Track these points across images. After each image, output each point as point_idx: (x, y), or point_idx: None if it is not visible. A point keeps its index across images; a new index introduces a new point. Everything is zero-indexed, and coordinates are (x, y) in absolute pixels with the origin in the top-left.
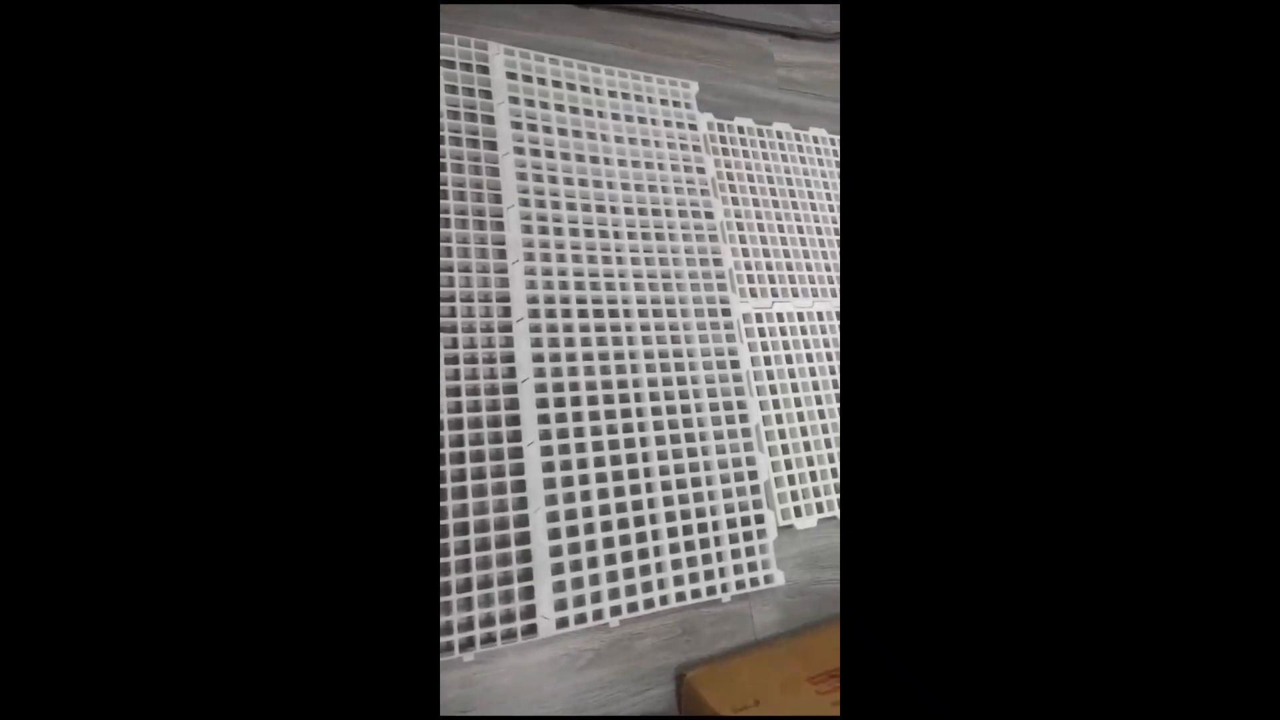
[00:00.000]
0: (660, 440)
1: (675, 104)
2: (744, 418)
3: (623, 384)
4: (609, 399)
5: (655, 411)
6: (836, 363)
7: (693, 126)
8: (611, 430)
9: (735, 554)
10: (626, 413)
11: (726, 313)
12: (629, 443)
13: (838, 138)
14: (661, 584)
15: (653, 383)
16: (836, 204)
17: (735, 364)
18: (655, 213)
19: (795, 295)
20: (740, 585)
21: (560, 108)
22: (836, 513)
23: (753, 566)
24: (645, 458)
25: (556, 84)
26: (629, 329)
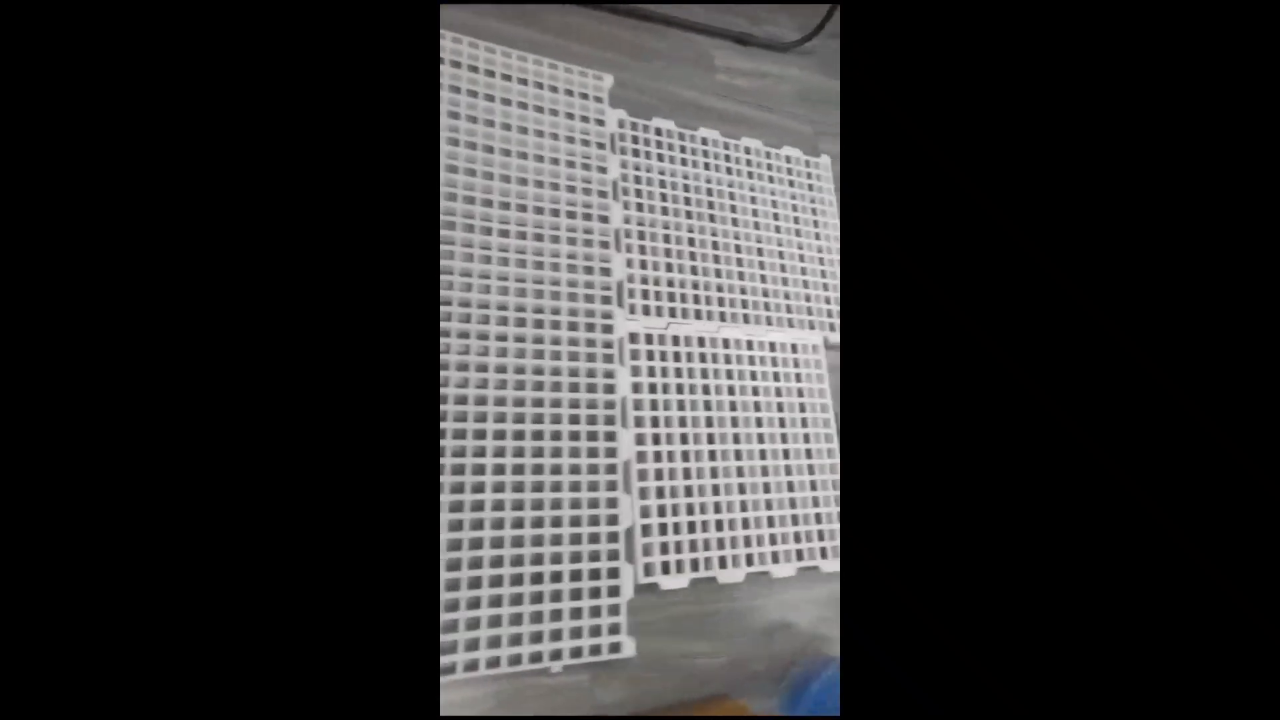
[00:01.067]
0: (499, 469)
1: (583, 96)
2: (611, 451)
3: (461, 399)
4: (442, 414)
5: (499, 435)
6: (743, 397)
7: (599, 122)
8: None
9: (576, 613)
10: (460, 433)
11: (608, 329)
12: (457, 469)
13: (776, 151)
14: (473, 644)
15: (500, 401)
16: (764, 220)
17: (610, 388)
18: (539, 211)
19: (699, 318)
20: (577, 653)
21: (456, 89)
22: (715, 573)
23: (597, 631)
24: (477, 488)
25: (456, 64)
26: (501, 338)
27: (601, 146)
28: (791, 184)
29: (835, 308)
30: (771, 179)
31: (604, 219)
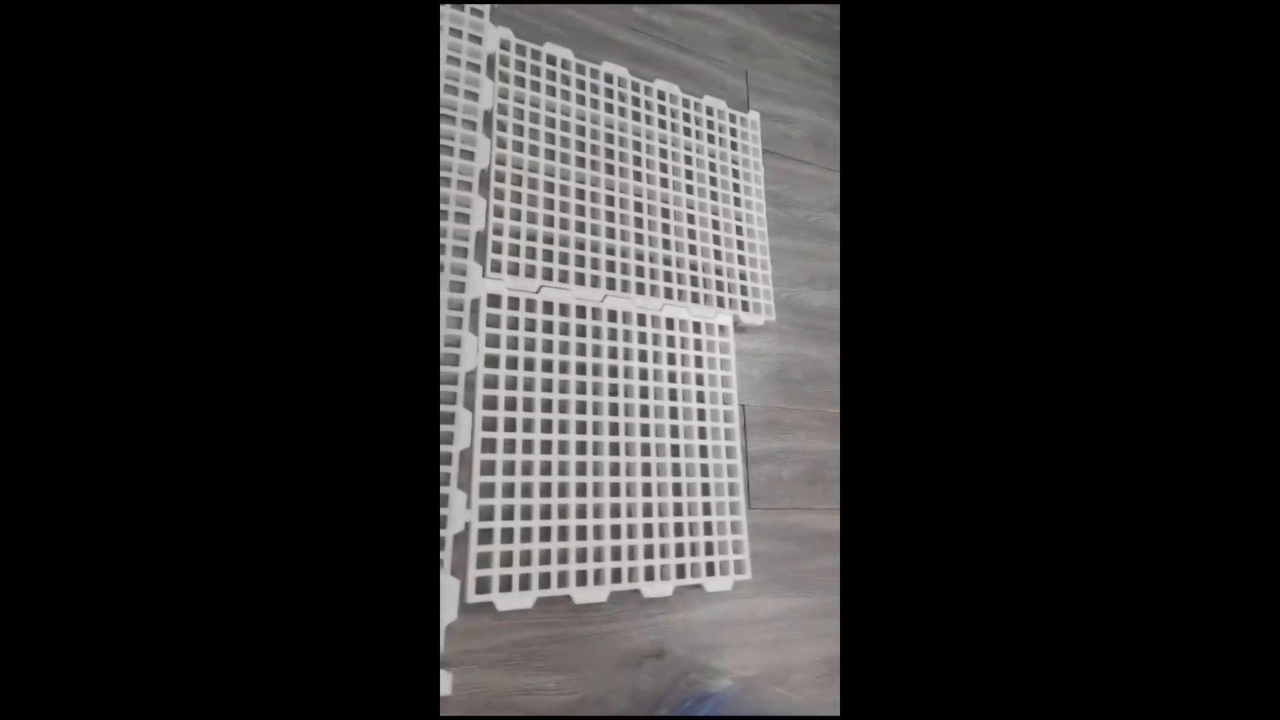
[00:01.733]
0: None
1: (457, 4)
2: (447, 437)
3: None
4: None
5: None
6: (628, 380)
7: (475, 39)
8: None
9: None
10: None
11: (459, 288)
12: None
13: (696, 100)
14: None
15: None
16: (674, 178)
17: (454, 359)
18: None
19: (581, 283)
20: None
21: None
22: (570, 590)
23: None
24: None
25: None
26: None
27: (475, 68)
28: (712, 140)
29: (751, 285)
30: (688, 131)
31: (468, 154)
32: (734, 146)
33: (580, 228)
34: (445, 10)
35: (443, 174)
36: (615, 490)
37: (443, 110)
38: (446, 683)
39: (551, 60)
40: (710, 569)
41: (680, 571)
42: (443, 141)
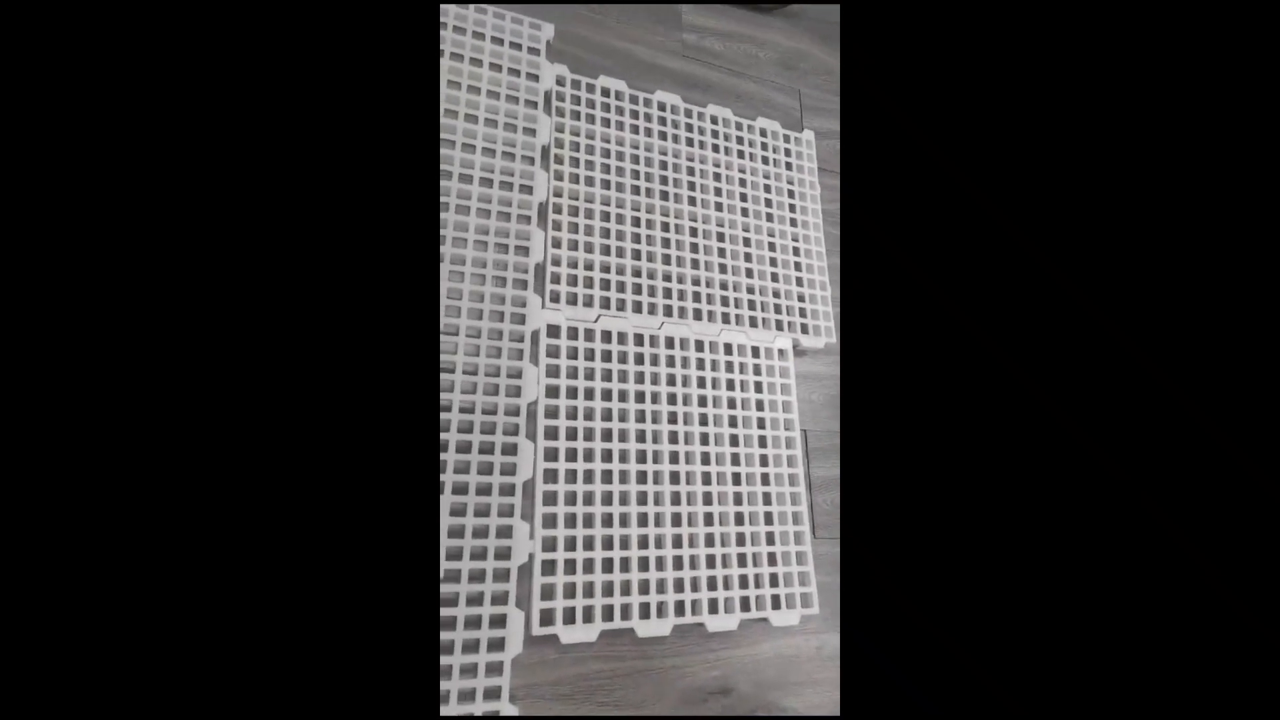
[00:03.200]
0: None
1: (515, 46)
2: (510, 468)
3: None
4: None
5: None
6: (687, 408)
7: (533, 77)
8: None
9: (445, 671)
10: None
11: (519, 319)
12: None
13: (749, 123)
14: None
15: None
16: (729, 202)
17: (515, 391)
18: (446, 175)
19: (639, 311)
20: None
21: None
22: (634, 623)
23: (469, 695)
24: None
25: None
26: None
27: (532, 105)
28: (766, 161)
29: (809, 307)
30: (742, 154)
31: (527, 189)
32: (789, 167)
33: (636, 255)
34: (504, 52)
35: (503, 209)
36: (677, 520)
37: (502, 147)
38: (512, 713)
39: (605, 92)
40: (776, 602)
41: (745, 604)
42: (502, 177)
